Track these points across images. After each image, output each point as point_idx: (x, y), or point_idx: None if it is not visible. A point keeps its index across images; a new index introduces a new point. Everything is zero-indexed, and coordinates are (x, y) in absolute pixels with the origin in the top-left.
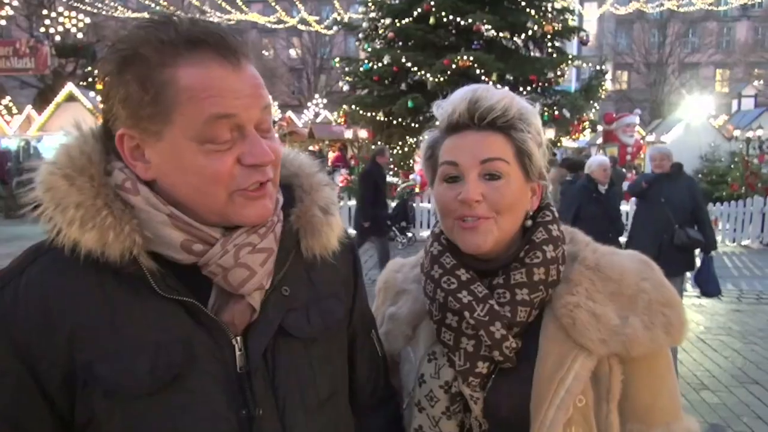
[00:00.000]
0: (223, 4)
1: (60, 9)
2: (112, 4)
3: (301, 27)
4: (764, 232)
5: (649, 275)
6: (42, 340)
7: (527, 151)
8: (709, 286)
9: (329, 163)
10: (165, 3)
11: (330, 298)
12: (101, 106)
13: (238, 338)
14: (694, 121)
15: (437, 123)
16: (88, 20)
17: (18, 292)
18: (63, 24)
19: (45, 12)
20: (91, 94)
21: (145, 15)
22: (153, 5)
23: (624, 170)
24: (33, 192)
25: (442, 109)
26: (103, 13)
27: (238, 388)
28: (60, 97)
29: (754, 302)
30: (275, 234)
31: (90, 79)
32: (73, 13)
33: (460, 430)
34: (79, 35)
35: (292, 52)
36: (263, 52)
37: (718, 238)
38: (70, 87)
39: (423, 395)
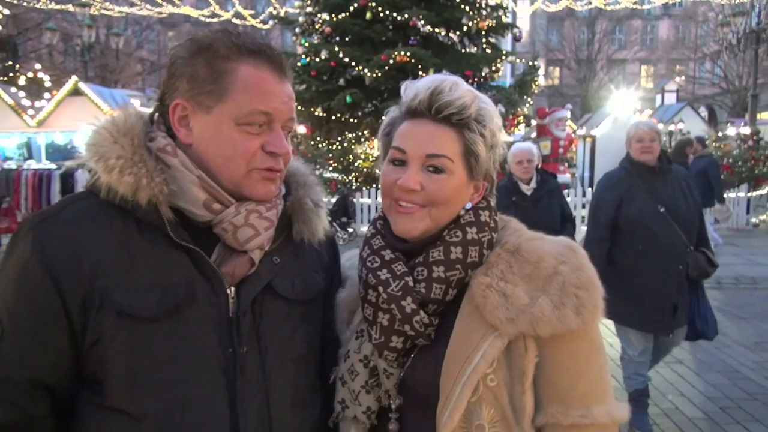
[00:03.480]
0: None
1: None
2: None
3: (236, 21)
4: None
5: (569, 259)
6: (70, 266)
7: (475, 152)
8: (707, 325)
9: None
10: None
11: (313, 272)
12: (165, 82)
13: (232, 288)
14: (621, 115)
15: (399, 104)
16: (7, 12)
17: (56, 225)
18: None
19: None
20: (13, 89)
21: (70, 7)
22: None
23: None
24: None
25: (408, 90)
26: (24, 4)
27: (227, 330)
28: None
29: None
30: (277, 211)
31: (12, 74)
32: None
33: (378, 405)
34: None
35: None
36: None
37: None
38: None
39: (345, 369)
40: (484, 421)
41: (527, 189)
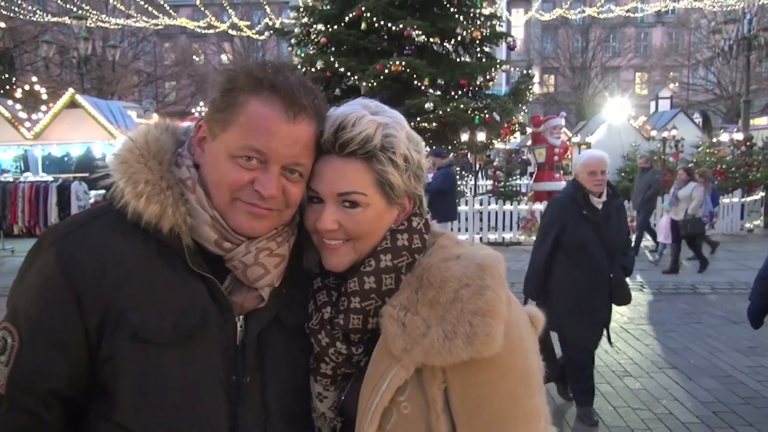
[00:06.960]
0: (150, 9)
1: None
2: (30, 8)
3: (232, 32)
4: None
5: (473, 282)
6: (92, 284)
7: (387, 181)
8: None
9: None
10: (87, 7)
11: None
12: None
13: (241, 317)
14: (616, 122)
15: None
16: (3, 25)
17: (80, 240)
18: None
19: None
20: (9, 102)
21: (66, 20)
22: (74, 9)
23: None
24: (109, 159)
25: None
26: (20, 17)
27: (233, 358)
28: None
29: (672, 293)
30: (289, 245)
31: (8, 87)
32: None
33: (329, 426)
34: None
35: (224, 58)
36: (194, 57)
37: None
38: None
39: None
40: None
41: (598, 202)
